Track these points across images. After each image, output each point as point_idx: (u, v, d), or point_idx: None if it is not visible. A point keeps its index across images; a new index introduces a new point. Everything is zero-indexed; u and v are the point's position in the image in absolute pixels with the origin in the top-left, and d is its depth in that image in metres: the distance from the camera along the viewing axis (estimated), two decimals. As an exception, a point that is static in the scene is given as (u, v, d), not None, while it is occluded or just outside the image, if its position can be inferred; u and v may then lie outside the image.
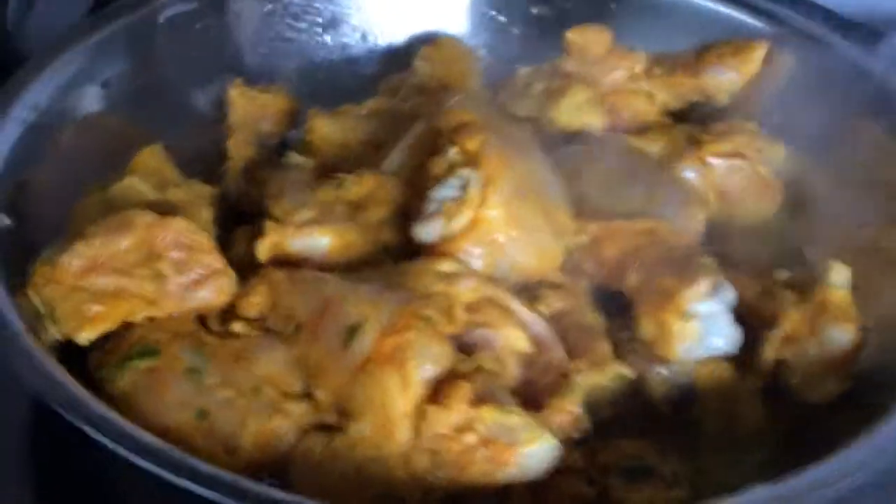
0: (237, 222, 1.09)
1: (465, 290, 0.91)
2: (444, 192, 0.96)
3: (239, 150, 1.14)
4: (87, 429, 0.77)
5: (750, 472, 0.92)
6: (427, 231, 0.95)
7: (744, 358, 0.97)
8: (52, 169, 1.04)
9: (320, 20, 1.33)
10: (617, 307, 1.01)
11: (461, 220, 0.94)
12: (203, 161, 1.16)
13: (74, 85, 1.12)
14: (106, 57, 1.16)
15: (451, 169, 0.97)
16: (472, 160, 0.96)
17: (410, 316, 0.85)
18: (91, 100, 1.14)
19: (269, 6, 1.30)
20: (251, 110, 1.18)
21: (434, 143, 1.02)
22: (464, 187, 0.95)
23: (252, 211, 1.10)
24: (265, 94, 1.20)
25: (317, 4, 1.33)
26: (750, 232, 1.14)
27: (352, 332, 0.86)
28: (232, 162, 1.13)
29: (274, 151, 1.19)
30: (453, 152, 0.98)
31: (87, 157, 1.07)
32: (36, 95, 1.07)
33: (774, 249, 1.12)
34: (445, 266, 0.92)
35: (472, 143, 0.97)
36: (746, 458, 0.95)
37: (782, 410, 0.98)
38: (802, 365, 0.96)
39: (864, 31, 1.22)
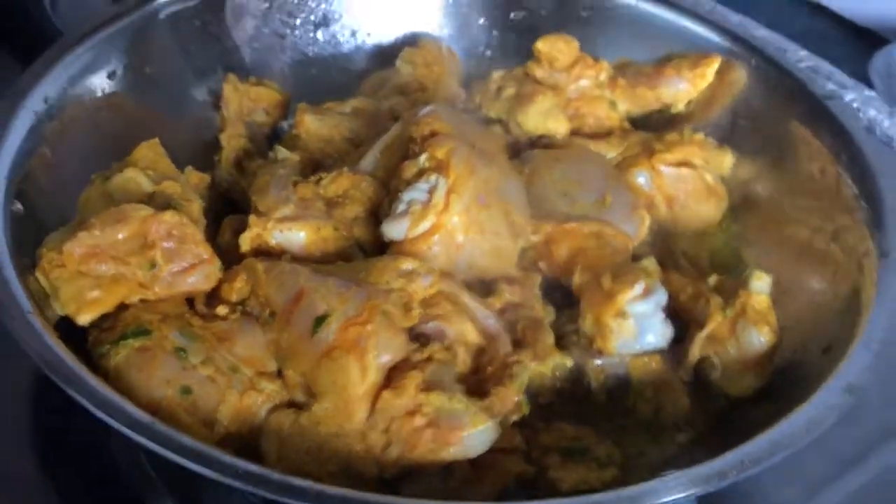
0: (228, 209, 1.19)
1: (423, 287, 1.01)
2: (413, 194, 1.06)
3: (231, 141, 1.23)
4: (86, 403, 0.87)
5: (676, 455, 1.04)
6: (395, 230, 1.06)
7: (674, 352, 1.08)
8: (59, 157, 1.13)
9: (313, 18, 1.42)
10: (568, 301, 1.12)
11: (425, 223, 1.04)
12: (197, 150, 1.26)
13: (82, 77, 1.20)
14: (112, 50, 1.25)
15: (421, 173, 1.07)
16: (439, 167, 1.06)
17: (371, 310, 0.96)
18: (97, 91, 1.22)
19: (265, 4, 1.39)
20: (244, 103, 1.28)
21: (407, 148, 1.12)
22: (431, 191, 1.05)
23: (240, 199, 1.20)
24: (257, 88, 1.30)
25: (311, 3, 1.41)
26: (695, 235, 1.24)
27: (319, 321, 0.97)
28: (224, 152, 1.22)
29: (265, 141, 1.29)
30: (423, 158, 1.08)
31: (90, 146, 1.16)
32: (46, 88, 1.15)
33: (715, 252, 1.23)
34: (406, 264, 1.03)
35: (440, 151, 1.07)
36: (672, 443, 1.06)
37: (705, 401, 1.09)
38: (723, 362, 1.07)
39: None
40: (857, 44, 1.70)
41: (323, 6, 1.42)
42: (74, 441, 1.09)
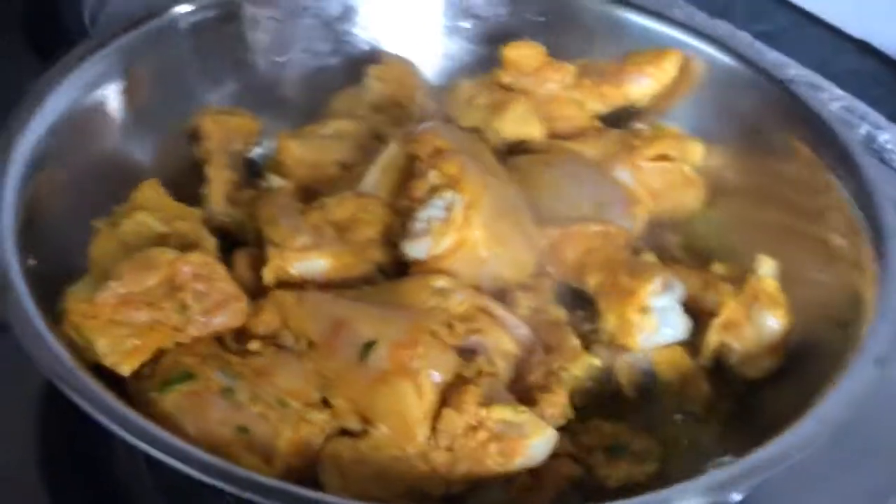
0: (224, 243, 1.18)
1: (458, 303, 1.03)
2: (430, 212, 1.07)
3: (219, 173, 1.22)
4: (151, 449, 0.86)
5: (709, 441, 1.09)
6: (417, 249, 1.07)
7: (692, 343, 1.12)
8: (54, 203, 1.10)
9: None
10: (578, 303, 1.15)
11: (448, 240, 1.06)
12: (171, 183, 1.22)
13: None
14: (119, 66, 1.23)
15: (433, 191, 1.08)
16: (452, 183, 1.07)
17: (418, 331, 0.97)
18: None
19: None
20: (224, 134, 1.26)
21: (411, 167, 1.13)
22: (448, 208, 1.07)
23: (236, 231, 1.19)
24: (233, 117, 1.29)
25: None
26: (680, 226, 1.29)
27: (367, 347, 0.97)
28: (214, 186, 1.21)
29: (246, 171, 1.28)
30: (433, 175, 1.09)
31: (89, 190, 1.14)
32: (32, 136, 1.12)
33: (703, 240, 1.28)
34: (438, 282, 1.04)
35: (451, 167, 1.08)
36: (703, 430, 1.10)
37: (725, 386, 1.13)
38: (741, 347, 1.11)
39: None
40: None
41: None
42: (78, 453, 1.09)
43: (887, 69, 1.75)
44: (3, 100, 1.13)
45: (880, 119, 1.51)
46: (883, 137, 1.49)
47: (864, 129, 1.50)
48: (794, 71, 1.58)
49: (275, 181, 1.19)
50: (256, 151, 1.34)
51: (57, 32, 1.56)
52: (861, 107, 1.54)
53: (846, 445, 1.11)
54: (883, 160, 1.47)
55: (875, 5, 1.76)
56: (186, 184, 1.22)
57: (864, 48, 1.79)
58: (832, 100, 1.54)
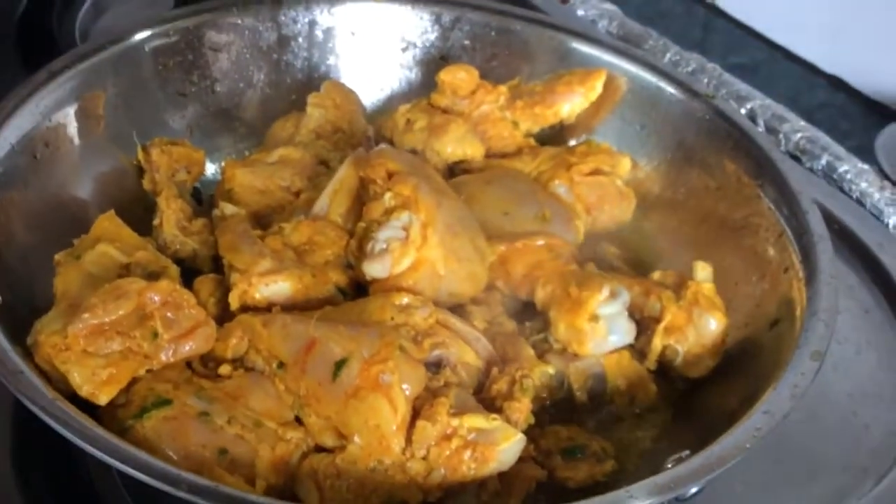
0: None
1: (422, 318, 1.07)
2: (388, 232, 1.12)
3: (170, 203, 1.24)
4: (146, 478, 0.88)
5: (658, 437, 1.15)
6: (377, 269, 1.11)
7: (633, 346, 1.18)
8: (19, 239, 1.12)
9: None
10: (527, 314, 1.20)
11: (408, 259, 1.10)
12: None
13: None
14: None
15: (389, 212, 1.13)
16: (407, 203, 1.12)
17: (388, 346, 1.01)
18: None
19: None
20: (170, 164, 1.29)
21: (361, 190, 1.17)
22: (405, 228, 1.11)
23: (189, 258, 1.22)
24: (177, 148, 1.31)
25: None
26: (614, 237, 1.35)
27: (339, 365, 1.01)
28: (165, 215, 1.23)
29: (191, 200, 1.31)
30: (388, 197, 1.13)
31: (46, 223, 1.16)
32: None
33: (636, 250, 1.34)
34: (400, 299, 1.08)
35: (405, 189, 1.13)
36: (651, 427, 1.16)
37: (669, 386, 1.19)
38: (684, 349, 1.17)
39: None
40: (871, 118, 1.82)
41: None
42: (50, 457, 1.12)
43: (857, 103, 1.85)
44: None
45: (840, 150, 1.59)
46: (842, 168, 1.56)
47: (824, 159, 1.57)
48: (759, 102, 1.66)
49: (228, 208, 1.22)
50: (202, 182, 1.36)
51: (49, 46, 1.60)
52: (823, 138, 1.61)
53: (790, 458, 1.20)
54: (842, 189, 1.55)
55: (848, 42, 1.87)
56: (131, 214, 1.24)
57: (836, 83, 1.89)
58: (795, 131, 1.62)
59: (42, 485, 1.13)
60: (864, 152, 1.62)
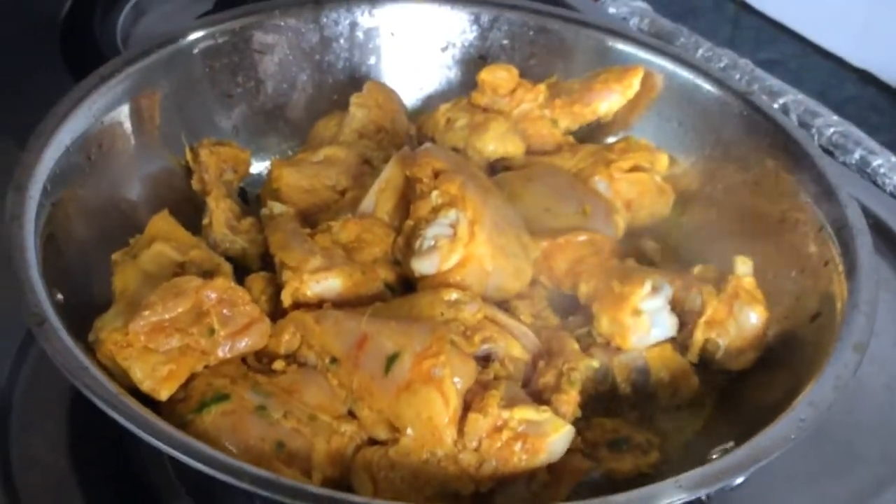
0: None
1: (471, 314, 1.10)
2: (436, 230, 1.14)
3: (219, 203, 1.27)
4: (210, 470, 0.91)
5: (700, 431, 1.17)
6: (426, 265, 1.14)
7: (675, 340, 1.20)
8: (76, 239, 1.15)
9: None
10: (571, 308, 1.23)
11: (456, 255, 1.13)
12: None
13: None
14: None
15: (436, 210, 1.15)
16: (454, 201, 1.14)
17: (439, 341, 1.03)
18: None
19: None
20: (218, 164, 1.31)
21: (408, 188, 1.20)
22: (452, 225, 1.14)
23: (239, 257, 1.25)
24: (224, 148, 1.34)
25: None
26: (653, 232, 1.37)
27: (391, 359, 1.03)
28: (215, 215, 1.25)
29: (239, 199, 1.34)
30: (435, 195, 1.16)
31: (101, 223, 1.19)
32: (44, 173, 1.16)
33: (676, 244, 1.37)
34: (450, 295, 1.11)
35: (452, 187, 1.15)
36: (695, 419, 1.18)
37: (711, 378, 1.21)
38: (725, 342, 1.19)
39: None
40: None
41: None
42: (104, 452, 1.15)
43: (887, 98, 1.86)
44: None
45: (873, 145, 1.60)
46: (876, 162, 1.58)
47: (858, 154, 1.59)
48: (791, 97, 1.68)
49: (277, 207, 1.24)
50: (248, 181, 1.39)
51: (92, 50, 1.65)
52: (856, 132, 1.63)
53: (829, 449, 1.22)
54: (875, 183, 1.57)
55: (877, 36, 1.88)
56: (180, 214, 1.26)
57: (866, 77, 1.90)
58: (828, 126, 1.63)
59: (99, 479, 1.15)
60: (895, 146, 1.63)
